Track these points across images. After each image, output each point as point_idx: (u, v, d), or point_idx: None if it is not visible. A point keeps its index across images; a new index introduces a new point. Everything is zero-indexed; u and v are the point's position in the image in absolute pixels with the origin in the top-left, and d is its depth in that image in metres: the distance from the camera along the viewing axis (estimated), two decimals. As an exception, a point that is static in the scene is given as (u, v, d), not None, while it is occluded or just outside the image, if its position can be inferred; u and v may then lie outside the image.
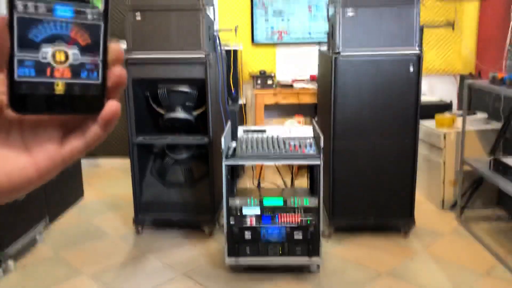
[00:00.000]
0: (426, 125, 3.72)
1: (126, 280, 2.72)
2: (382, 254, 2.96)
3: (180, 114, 3.15)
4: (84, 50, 0.38)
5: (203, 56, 2.99)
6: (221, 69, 3.41)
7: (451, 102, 4.26)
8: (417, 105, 2.99)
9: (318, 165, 2.54)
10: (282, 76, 4.80)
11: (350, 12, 2.92)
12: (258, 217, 2.60)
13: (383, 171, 3.08)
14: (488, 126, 3.64)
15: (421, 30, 2.99)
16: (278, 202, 2.59)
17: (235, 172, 2.81)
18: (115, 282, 2.69)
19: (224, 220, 2.63)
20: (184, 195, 3.31)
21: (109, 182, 4.46)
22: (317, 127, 2.74)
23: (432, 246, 3.06)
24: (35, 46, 0.36)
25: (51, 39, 0.36)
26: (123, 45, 2.94)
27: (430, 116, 3.73)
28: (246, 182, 4.29)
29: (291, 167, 3.42)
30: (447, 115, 3.75)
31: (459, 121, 3.60)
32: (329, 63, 2.99)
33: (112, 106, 0.40)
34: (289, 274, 2.72)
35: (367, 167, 3.08)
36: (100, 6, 0.38)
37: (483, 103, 3.90)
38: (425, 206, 3.70)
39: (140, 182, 3.29)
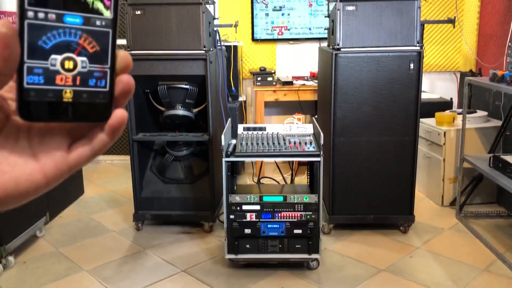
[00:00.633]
0: (426, 122, 3.73)
1: (126, 276, 2.72)
2: (381, 250, 2.97)
3: (180, 111, 3.15)
4: (92, 57, 0.38)
5: (203, 52, 2.99)
6: (221, 65, 3.40)
7: (451, 99, 4.26)
8: (417, 102, 2.99)
9: (318, 162, 2.55)
10: (282, 73, 4.80)
11: (350, 7, 2.91)
12: (258, 214, 2.60)
13: (383, 168, 3.08)
14: (488, 124, 3.64)
15: (422, 26, 2.98)
16: (278, 198, 2.60)
17: (235, 169, 2.82)
18: (115, 278, 2.70)
19: (224, 217, 2.64)
20: (184, 191, 3.32)
21: (109, 179, 4.46)
22: (317, 124, 2.74)
23: (431, 243, 3.07)
24: (44, 54, 0.36)
25: (60, 47, 0.37)
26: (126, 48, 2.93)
27: (430, 113, 3.73)
28: (246, 179, 4.29)
29: (291, 164, 3.43)
30: (447, 112, 3.75)
31: (459, 118, 3.60)
32: (329, 59, 2.99)
33: (119, 114, 0.40)
34: (288, 270, 2.73)
35: (367, 164, 3.08)
36: (109, 14, 0.38)
37: (483, 100, 3.90)
38: (424, 203, 3.71)
39: (140, 179, 3.29)
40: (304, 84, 4.33)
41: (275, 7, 4.65)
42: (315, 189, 2.62)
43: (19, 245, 2.92)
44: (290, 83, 4.36)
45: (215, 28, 3.36)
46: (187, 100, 3.15)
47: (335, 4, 2.95)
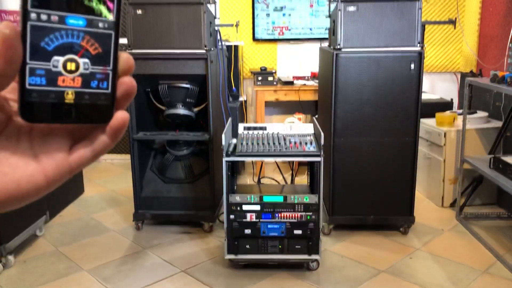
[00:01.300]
0: (426, 123, 3.72)
1: (125, 275, 2.72)
2: (381, 251, 2.97)
3: (180, 110, 3.15)
4: (94, 59, 0.38)
5: (204, 51, 2.99)
6: (222, 65, 3.40)
7: (451, 100, 4.25)
8: (418, 103, 2.99)
9: (319, 162, 2.54)
10: (283, 73, 4.79)
11: (351, 8, 2.91)
12: (258, 214, 2.60)
13: (383, 168, 3.08)
14: (489, 125, 3.64)
15: (423, 27, 2.98)
16: (278, 198, 2.60)
17: (235, 168, 2.81)
18: (115, 277, 2.70)
19: (224, 217, 2.64)
20: (184, 191, 3.31)
21: (109, 178, 4.46)
22: (317, 124, 2.74)
23: (431, 244, 3.07)
24: (46, 55, 0.36)
25: (63, 48, 0.37)
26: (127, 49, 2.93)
27: (431, 114, 3.73)
28: (246, 179, 4.29)
29: (291, 164, 3.43)
30: (447, 113, 3.75)
31: (459, 119, 3.60)
32: (330, 59, 2.99)
33: (120, 116, 0.40)
34: (288, 271, 2.73)
35: (367, 164, 3.08)
36: (112, 16, 0.38)
37: (484, 101, 3.90)
38: (424, 204, 3.71)
39: (140, 178, 3.29)
40: (304, 84, 4.33)
41: (276, 7, 4.65)
42: (315, 190, 2.62)
43: (19, 244, 2.92)
44: (290, 83, 4.36)
45: (216, 28, 3.36)
46: (187, 100, 3.15)
47: (336, 5, 2.95)
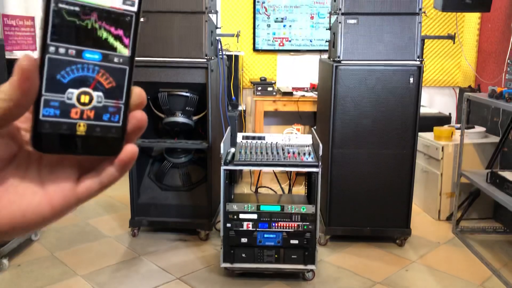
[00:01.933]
0: (424, 136, 3.74)
1: (120, 282, 2.71)
2: (377, 263, 2.97)
3: (179, 118, 3.16)
4: (108, 93, 0.39)
5: (205, 60, 3.01)
6: (222, 74, 3.42)
7: (450, 114, 4.28)
8: (416, 116, 3.00)
9: (316, 173, 2.55)
10: (283, 84, 4.82)
11: (351, 20, 2.94)
12: (255, 223, 2.60)
13: (380, 180, 3.09)
14: (486, 140, 3.66)
15: (422, 41, 3.01)
16: (275, 208, 2.60)
17: (233, 177, 2.82)
18: (110, 284, 2.69)
19: (220, 225, 2.63)
20: (181, 198, 3.31)
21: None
22: (316, 135, 2.75)
23: (427, 257, 3.06)
24: (61, 87, 0.37)
25: (78, 81, 0.37)
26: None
27: (429, 128, 3.75)
28: (244, 188, 4.29)
29: (289, 174, 3.43)
30: (445, 127, 3.77)
31: (457, 134, 3.62)
32: (330, 71, 3.01)
33: (130, 149, 0.40)
34: (284, 281, 2.72)
35: (365, 176, 3.09)
36: (127, 52, 0.39)
37: (481, 116, 3.93)
38: (421, 217, 3.71)
39: (138, 185, 3.29)
40: (304, 95, 4.35)
41: (277, 18, 4.69)
42: (312, 200, 2.62)
43: (14, 248, 2.91)
44: (290, 93, 4.38)
45: (217, 37, 3.39)
46: (187, 108, 3.16)
47: (337, 17, 2.98)
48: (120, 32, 0.38)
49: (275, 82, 4.59)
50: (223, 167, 2.55)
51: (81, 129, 0.38)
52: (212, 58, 3.14)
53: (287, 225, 2.60)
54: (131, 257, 3.02)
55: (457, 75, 4.76)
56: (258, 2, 4.67)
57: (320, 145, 2.55)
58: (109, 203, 3.96)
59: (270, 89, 4.32)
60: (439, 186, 3.60)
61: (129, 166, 0.41)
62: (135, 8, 0.39)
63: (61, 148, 0.38)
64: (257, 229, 2.60)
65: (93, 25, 0.37)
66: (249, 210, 2.60)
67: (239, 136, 2.89)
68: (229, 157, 2.63)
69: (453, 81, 4.78)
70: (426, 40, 3.44)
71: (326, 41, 3.55)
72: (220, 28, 3.55)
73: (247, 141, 2.83)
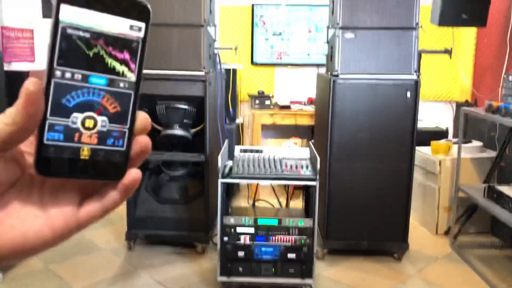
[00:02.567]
0: (422, 151, 3.74)
1: (116, 296, 2.68)
2: (375, 277, 2.95)
3: (177, 131, 3.15)
4: (113, 117, 0.39)
5: (203, 74, 3.02)
6: (220, 87, 3.43)
7: (447, 129, 4.29)
8: (414, 131, 3.01)
9: (314, 186, 2.55)
10: (280, 97, 4.83)
11: (349, 34, 2.96)
12: (252, 236, 2.59)
13: (378, 194, 3.09)
14: (483, 154, 3.67)
15: (419, 55, 3.03)
16: (272, 221, 2.59)
17: (230, 190, 2.81)
18: (105, 297, 2.66)
19: (217, 238, 2.62)
20: (178, 212, 3.30)
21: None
22: (313, 148, 2.75)
23: (425, 271, 3.05)
24: (66, 111, 0.37)
25: (83, 106, 0.37)
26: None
27: (426, 142, 3.76)
28: (241, 201, 4.27)
29: (286, 187, 3.42)
30: (443, 142, 3.78)
31: (454, 148, 3.62)
32: (327, 85, 3.02)
33: (133, 174, 0.40)
34: (281, 295, 2.70)
35: (362, 190, 3.09)
36: (133, 76, 0.39)
37: (478, 131, 3.94)
38: (419, 231, 3.70)
39: (134, 198, 3.28)
40: (301, 109, 4.36)
41: (275, 32, 4.72)
42: (310, 214, 2.61)
43: (8, 261, 2.88)
44: (287, 107, 4.39)
45: (215, 51, 3.40)
46: (184, 120, 3.16)
47: (335, 31, 3.00)
48: (126, 57, 0.39)
49: (272, 96, 4.61)
50: (220, 180, 2.55)
51: (85, 153, 0.38)
52: (210, 71, 3.15)
53: (285, 238, 2.58)
54: (127, 270, 2.99)
55: (454, 90, 4.78)
56: (256, 16, 4.70)
57: (318, 158, 2.55)
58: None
59: (267, 102, 4.33)
60: (437, 200, 3.60)
61: (132, 191, 0.41)
62: (141, 34, 0.39)
63: (65, 172, 0.38)
64: (254, 243, 2.59)
65: (100, 50, 0.38)
66: (246, 224, 2.59)
67: (237, 149, 2.89)
68: (226, 170, 2.62)
69: (450, 95, 4.80)
70: (423, 55, 3.46)
71: (324, 55, 3.57)
72: (218, 41, 3.57)
73: (244, 154, 2.83)
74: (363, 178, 3.08)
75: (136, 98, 0.39)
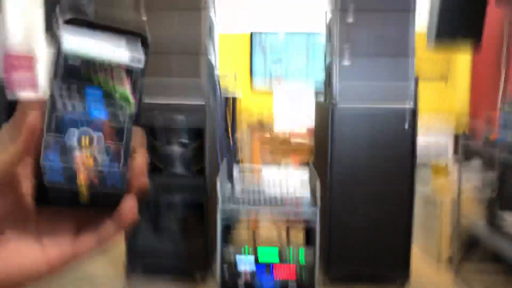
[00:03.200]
0: (422, 177, 3.73)
1: (114, 328, 2.63)
2: (377, 307, 2.90)
3: (178, 170, 3.14)
4: (111, 149, 0.39)
5: (203, 103, 3.02)
6: (220, 115, 3.44)
7: (446, 154, 4.29)
8: (413, 157, 3.01)
9: (314, 221, 2.53)
10: (280, 122, 4.84)
11: (346, 62, 2.98)
12: (252, 266, 2.55)
13: (379, 222, 3.06)
14: (484, 181, 3.65)
15: (416, 82, 3.05)
16: (273, 250, 2.56)
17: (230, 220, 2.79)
18: (103, 330, 2.61)
19: (217, 268, 2.58)
20: (177, 241, 3.26)
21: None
22: (313, 169, 2.73)
23: (428, 301, 3.00)
24: (65, 144, 0.37)
25: (82, 137, 0.38)
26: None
27: (426, 168, 3.75)
28: (241, 229, 4.24)
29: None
30: (443, 168, 3.77)
31: (455, 174, 3.61)
32: (326, 114, 3.03)
33: (130, 204, 0.39)
34: (282, 326, 2.64)
35: (363, 217, 3.07)
36: (132, 109, 0.39)
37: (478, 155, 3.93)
38: (421, 259, 3.65)
39: (133, 228, 3.24)
40: (301, 143, 4.34)
41: (273, 59, 4.77)
42: (311, 242, 2.58)
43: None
44: (288, 142, 4.37)
45: (215, 78, 3.42)
46: (185, 159, 3.14)
47: (332, 59, 3.03)
48: (126, 88, 0.39)
49: (272, 127, 4.61)
50: (220, 207, 2.53)
51: (83, 182, 0.38)
52: (211, 99, 3.16)
53: (286, 267, 2.55)
54: (125, 301, 2.94)
55: (451, 115, 4.81)
56: (255, 43, 4.76)
57: (318, 181, 2.52)
58: (103, 245, 3.89)
59: (267, 135, 4.33)
60: (439, 227, 3.57)
61: (129, 222, 0.40)
62: (141, 66, 0.39)
63: (62, 201, 0.37)
64: (255, 275, 2.55)
65: (100, 81, 0.38)
66: (246, 253, 2.55)
67: (236, 168, 2.88)
68: (226, 198, 2.60)
69: (447, 119, 4.82)
70: (420, 84, 3.50)
71: (321, 83, 3.60)
72: (218, 68, 3.60)
73: (243, 176, 2.82)
74: (364, 206, 3.06)
75: (131, 131, 0.39)
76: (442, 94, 4.76)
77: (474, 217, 3.16)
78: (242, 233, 4.11)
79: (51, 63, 0.37)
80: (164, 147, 3.15)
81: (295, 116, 4.83)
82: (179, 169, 3.12)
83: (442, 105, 4.77)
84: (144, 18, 3.01)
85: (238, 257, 2.56)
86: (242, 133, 4.85)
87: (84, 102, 0.37)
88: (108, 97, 0.38)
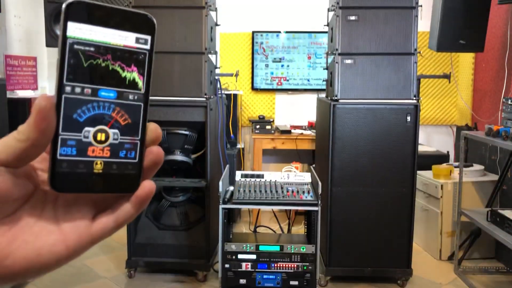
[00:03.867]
0: (423, 175, 3.73)
1: (115, 325, 2.64)
2: (379, 305, 2.90)
3: (178, 156, 3.15)
4: (124, 130, 0.39)
5: (204, 99, 3.03)
6: (221, 113, 3.45)
7: (448, 153, 4.29)
8: (414, 155, 3.01)
9: (316, 212, 2.53)
10: (281, 122, 4.85)
11: (348, 60, 2.99)
12: (254, 263, 2.56)
13: (380, 220, 3.06)
14: (485, 178, 3.66)
15: (418, 80, 3.05)
16: (274, 248, 2.56)
17: (231, 216, 2.79)
18: (104, 327, 2.61)
19: (219, 266, 2.59)
20: (178, 238, 3.27)
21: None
22: (315, 173, 2.75)
23: (430, 298, 3.00)
24: (78, 126, 0.37)
25: (94, 119, 0.38)
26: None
27: (427, 166, 3.75)
28: (242, 227, 4.24)
29: (288, 213, 3.40)
30: (444, 166, 3.77)
31: (456, 172, 3.61)
32: (328, 110, 3.03)
33: (147, 185, 0.40)
34: (283, 324, 2.65)
35: (364, 215, 3.06)
36: (142, 88, 0.39)
37: (479, 155, 3.93)
38: (422, 256, 3.65)
39: (135, 224, 3.25)
40: (302, 133, 4.37)
41: (275, 58, 4.77)
42: (312, 240, 2.59)
43: (7, 290, 2.84)
44: (288, 131, 4.40)
45: (216, 77, 3.43)
46: (185, 146, 3.16)
47: (334, 57, 3.03)
48: (134, 69, 0.39)
49: (273, 120, 4.62)
50: (221, 206, 2.53)
51: (98, 167, 0.38)
52: (212, 97, 3.17)
53: (287, 265, 2.55)
54: (127, 299, 2.94)
55: (454, 114, 4.80)
56: (256, 43, 4.76)
57: (319, 183, 2.54)
58: (105, 242, 3.90)
59: (268, 127, 4.34)
60: (440, 225, 3.57)
61: (146, 203, 0.40)
62: (148, 46, 0.39)
63: (79, 187, 0.38)
64: (256, 270, 2.56)
65: (108, 64, 0.38)
66: (248, 250, 2.56)
67: (238, 174, 2.88)
68: (227, 196, 2.61)
69: (450, 119, 4.82)
70: (422, 80, 3.49)
71: (323, 80, 3.60)
72: (219, 68, 3.60)
73: (245, 179, 2.82)
74: (365, 203, 3.06)
75: (146, 110, 0.40)
76: (445, 90, 4.75)
77: (476, 213, 3.15)
78: (244, 230, 4.11)
79: (57, 50, 0.37)
80: (164, 138, 3.16)
81: (296, 113, 4.83)
82: (180, 157, 3.12)
83: (445, 102, 4.77)
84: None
85: (239, 254, 2.56)
86: (243, 130, 4.85)
87: (92, 85, 0.37)
88: (117, 79, 0.38)
